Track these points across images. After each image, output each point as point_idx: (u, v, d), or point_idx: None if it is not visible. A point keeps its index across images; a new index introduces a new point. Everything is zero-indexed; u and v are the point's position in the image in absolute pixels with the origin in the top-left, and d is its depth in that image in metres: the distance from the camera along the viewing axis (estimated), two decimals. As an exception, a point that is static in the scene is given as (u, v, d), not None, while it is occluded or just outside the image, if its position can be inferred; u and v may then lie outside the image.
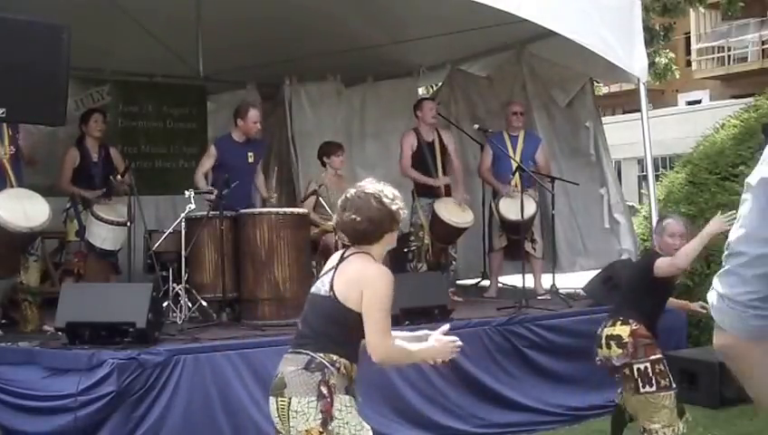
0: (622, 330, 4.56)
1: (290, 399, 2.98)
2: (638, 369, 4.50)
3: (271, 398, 3.06)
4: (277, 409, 3.01)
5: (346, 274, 3.06)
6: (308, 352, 3.02)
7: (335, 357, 3.02)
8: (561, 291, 7.24)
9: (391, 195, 3.13)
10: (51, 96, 5.15)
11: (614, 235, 8.08)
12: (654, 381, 4.49)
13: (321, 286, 3.12)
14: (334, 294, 3.04)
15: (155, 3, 7.60)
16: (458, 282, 8.43)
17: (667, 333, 6.41)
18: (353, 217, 3.08)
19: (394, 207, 3.11)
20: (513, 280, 7.95)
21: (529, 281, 7.06)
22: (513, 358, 5.95)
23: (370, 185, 3.16)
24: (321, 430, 2.93)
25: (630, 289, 4.83)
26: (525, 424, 5.82)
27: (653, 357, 4.54)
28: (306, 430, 2.94)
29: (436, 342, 3.11)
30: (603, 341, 4.63)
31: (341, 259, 3.12)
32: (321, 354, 3.01)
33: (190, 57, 8.37)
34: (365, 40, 8.52)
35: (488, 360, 5.83)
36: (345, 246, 3.22)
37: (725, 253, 1.64)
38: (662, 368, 4.54)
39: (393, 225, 3.13)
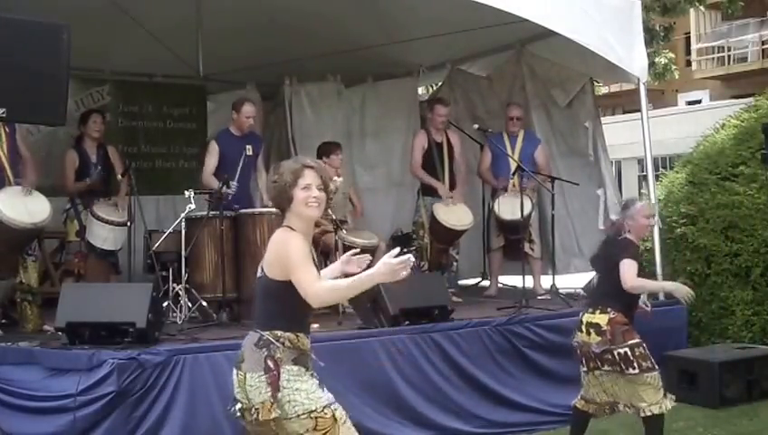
0: (601, 318, 4.78)
1: (245, 374, 3.24)
2: (619, 353, 4.71)
3: (234, 370, 3.32)
4: (237, 381, 3.28)
5: (268, 250, 3.30)
6: (257, 330, 3.28)
7: (279, 333, 3.24)
8: (560, 291, 7.24)
9: (280, 170, 3.30)
10: (51, 96, 5.15)
11: None
12: (636, 364, 4.70)
13: (259, 269, 3.34)
14: (264, 272, 3.28)
15: (155, 3, 7.60)
16: (458, 282, 8.42)
17: (667, 333, 6.44)
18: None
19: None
20: (512, 280, 7.95)
21: (528, 281, 7.06)
22: (513, 358, 5.95)
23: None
24: (272, 401, 3.18)
25: (605, 280, 4.95)
26: (525, 424, 5.81)
27: (631, 342, 4.73)
28: (261, 402, 3.19)
29: (382, 264, 3.06)
30: (584, 326, 4.84)
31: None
32: (267, 332, 3.25)
33: (190, 57, 8.37)
34: (365, 40, 8.52)
35: (488, 360, 5.83)
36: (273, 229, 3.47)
37: None
38: (642, 351, 4.74)
39: (283, 200, 3.28)
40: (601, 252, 5.16)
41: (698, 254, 7.09)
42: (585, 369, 4.91)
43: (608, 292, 4.86)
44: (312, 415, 3.19)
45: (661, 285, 4.99)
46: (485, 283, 8.30)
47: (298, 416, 3.19)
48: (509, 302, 6.69)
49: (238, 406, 3.28)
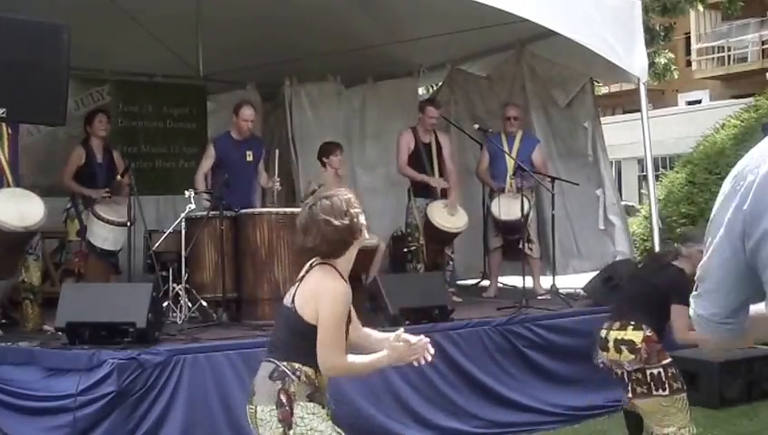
0: (635, 335, 4.49)
1: (256, 407, 3.06)
2: (652, 374, 4.46)
3: (247, 405, 3.14)
4: (248, 415, 3.11)
5: (306, 287, 3.10)
6: (274, 360, 3.09)
7: (297, 365, 3.05)
8: (560, 291, 7.24)
9: (343, 206, 3.09)
10: (51, 96, 5.15)
11: (608, 237, 8.09)
12: (667, 386, 4.45)
13: (288, 298, 3.15)
14: (294, 306, 3.08)
15: (155, 3, 7.60)
16: (458, 282, 8.42)
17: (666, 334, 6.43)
18: (312, 243, 3.08)
19: (347, 221, 3.07)
20: (512, 280, 7.95)
21: (528, 281, 7.05)
22: (513, 358, 5.95)
23: (319, 203, 3.11)
24: None
25: (646, 298, 4.67)
26: (525, 424, 5.81)
27: (665, 362, 4.50)
28: None
29: (390, 349, 3.05)
30: (611, 344, 4.55)
31: (308, 270, 3.15)
32: (285, 363, 3.06)
33: (190, 57, 8.37)
34: (365, 40, 8.52)
35: (488, 360, 5.83)
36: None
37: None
38: (674, 371, 4.50)
39: (354, 235, 3.10)
40: (649, 271, 4.86)
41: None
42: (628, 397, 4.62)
43: (645, 310, 4.57)
44: None
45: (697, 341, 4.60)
46: (485, 283, 8.29)
47: None
48: (509, 302, 6.69)
49: None
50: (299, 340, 3.07)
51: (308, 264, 3.17)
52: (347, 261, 3.14)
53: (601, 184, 8.18)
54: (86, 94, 8.68)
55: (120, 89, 9.00)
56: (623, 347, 4.50)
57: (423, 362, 3.10)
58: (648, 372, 4.46)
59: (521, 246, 7.21)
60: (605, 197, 8.14)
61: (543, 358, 6.05)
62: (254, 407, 3.06)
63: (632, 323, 4.53)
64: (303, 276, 3.13)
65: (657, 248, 7.00)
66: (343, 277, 3.11)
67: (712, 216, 1.99)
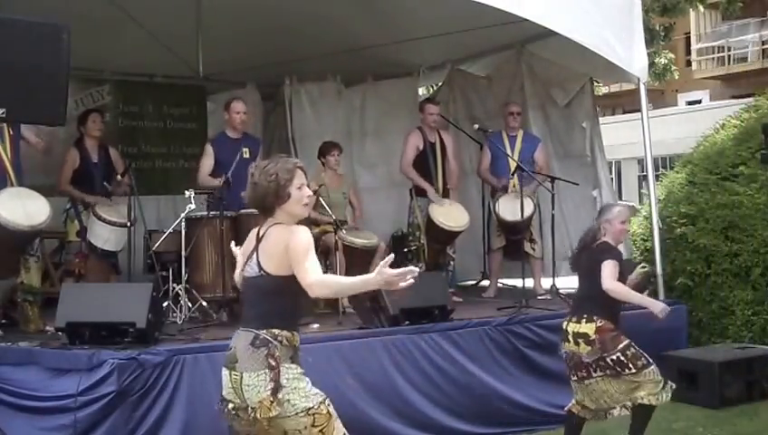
0: (588, 328, 4.72)
1: (241, 374, 3.26)
2: (612, 359, 4.69)
3: (224, 369, 3.34)
4: (230, 381, 3.31)
5: (267, 248, 3.33)
6: (252, 329, 3.30)
7: (276, 331, 3.28)
8: (560, 291, 7.24)
9: (272, 170, 3.34)
10: (51, 96, 5.15)
11: None
12: (631, 365, 4.69)
13: (250, 269, 3.38)
14: (264, 271, 3.31)
15: (155, 3, 7.59)
16: (458, 283, 8.42)
17: (667, 333, 6.43)
18: (248, 190, 3.43)
19: (266, 183, 3.33)
20: (514, 281, 7.94)
21: (529, 281, 7.05)
22: (513, 358, 5.95)
23: (257, 162, 3.49)
24: (271, 399, 3.21)
25: (588, 288, 4.88)
26: (525, 424, 5.82)
27: (621, 346, 4.71)
28: (259, 401, 3.22)
29: (379, 274, 3.14)
30: (571, 337, 4.79)
31: (259, 239, 3.37)
32: (264, 331, 3.28)
33: (190, 57, 8.37)
34: (365, 40, 8.52)
35: (488, 360, 5.83)
36: (259, 225, 3.46)
37: None
38: (633, 351, 4.72)
39: (277, 200, 3.34)
40: (580, 258, 5.06)
41: (698, 254, 7.09)
42: (575, 379, 4.88)
43: (591, 298, 4.80)
44: (309, 412, 3.26)
45: (640, 298, 4.89)
46: (485, 283, 8.29)
47: (296, 414, 3.25)
48: (509, 302, 6.69)
49: (230, 406, 3.32)
50: (273, 301, 3.30)
51: (254, 232, 3.42)
52: (287, 218, 3.36)
53: (598, 185, 8.18)
54: (86, 94, 8.67)
55: (120, 89, 9.00)
56: (580, 340, 4.76)
57: (406, 284, 3.17)
58: (609, 359, 4.70)
59: (524, 246, 7.22)
60: (601, 198, 8.14)
61: (543, 358, 6.04)
62: (238, 374, 3.27)
63: (584, 316, 4.77)
64: (257, 245, 3.36)
65: (657, 248, 6.99)
66: None
67: None
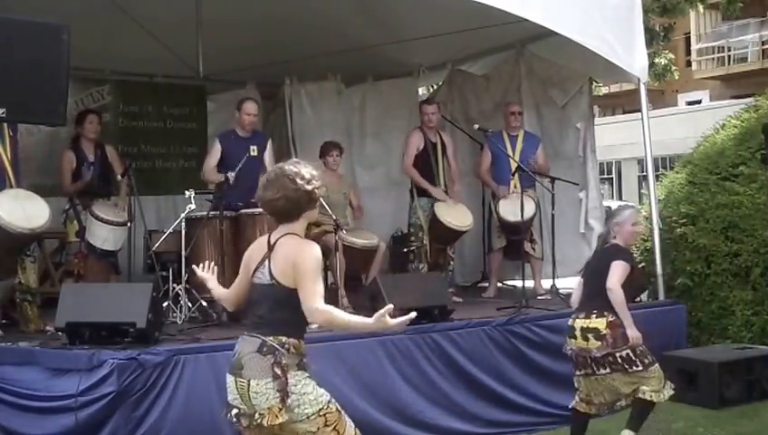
0: (599, 323, 4.78)
1: (248, 381, 3.26)
2: (621, 356, 4.75)
3: (229, 376, 3.33)
4: (237, 388, 3.29)
5: (280, 258, 3.32)
6: (259, 335, 3.30)
7: (284, 338, 3.29)
8: (561, 291, 7.24)
9: (308, 175, 3.36)
10: (51, 96, 5.15)
11: (586, 241, 8.08)
12: (639, 362, 4.76)
13: (261, 277, 3.39)
14: (276, 280, 3.31)
15: (155, 3, 7.59)
16: (458, 283, 8.42)
17: (667, 333, 6.44)
18: (272, 196, 3.35)
19: (309, 187, 3.35)
20: (514, 282, 7.93)
21: (529, 281, 7.05)
22: (513, 358, 5.95)
23: (288, 166, 3.41)
24: (280, 406, 3.22)
25: (599, 286, 4.89)
26: (525, 424, 5.82)
27: (631, 342, 4.76)
28: (268, 408, 3.22)
29: (378, 322, 3.21)
30: (578, 332, 4.83)
31: (271, 247, 3.36)
32: (271, 338, 3.28)
33: (190, 57, 8.36)
34: (365, 40, 8.52)
35: (488, 360, 5.83)
36: (270, 231, 3.46)
37: None
38: (642, 349, 4.79)
39: (310, 204, 3.39)
40: (593, 261, 5.13)
41: (698, 254, 7.09)
42: (581, 374, 4.92)
43: (603, 297, 4.82)
44: (320, 413, 3.29)
45: (626, 316, 4.78)
46: (485, 283, 8.28)
47: (308, 417, 3.27)
48: (509, 302, 6.69)
49: (234, 411, 3.32)
50: (283, 311, 3.30)
51: (264, 239, 3.42)
52: (301, 232, 3.39)
53: (585, 186, 8.17)
54: (86, 94, 8.68)
55: (120, 89, 9.00)
56: (589, 335, 4.80)
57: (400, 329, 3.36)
58: (618, 355, 4.75)
59: (524, 246, 7.22)
60: (588, 200, 8.14)
61: (543, 358, 6.05)
62: (245, 381, 3.26)
63: (594, 311, 4.82)
64: (269, 254, 3.35)
65: (657, 248, 7.00)
66: None
67: None
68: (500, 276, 8.07)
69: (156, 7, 7.63)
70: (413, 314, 3.28)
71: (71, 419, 4.49)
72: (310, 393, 3.29)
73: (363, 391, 5.21)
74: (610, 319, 4.75)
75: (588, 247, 8.09)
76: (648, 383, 4.79)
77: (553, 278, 7.36)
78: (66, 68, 5.16)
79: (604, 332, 4.74)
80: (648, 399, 4.79)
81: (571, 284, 7.66)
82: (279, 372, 3.23)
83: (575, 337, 4.85)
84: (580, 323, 4.85)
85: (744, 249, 6.87)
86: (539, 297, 7.22)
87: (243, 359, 3.28)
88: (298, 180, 3.34)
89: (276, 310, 3.32)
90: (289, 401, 3.23)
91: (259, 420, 3.23)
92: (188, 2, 7.54)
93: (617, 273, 4.79)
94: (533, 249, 7.57)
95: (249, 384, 3.25)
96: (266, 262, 3.36)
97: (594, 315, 4.80)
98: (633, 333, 4.80)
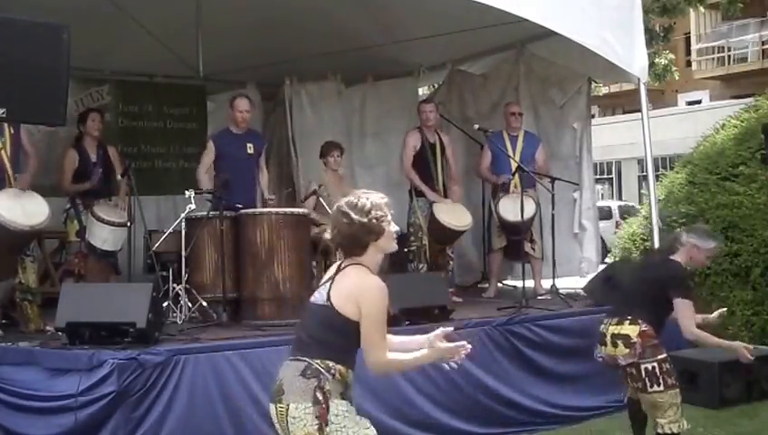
0: (631, 330, 4.57)
1: (288, 405, 3.07)
2: (646, 368, 4.55)
3: (270, 404, 3.15)
4: (276, 414, 3.11)
5: (342, 285, 3.16)
6: (305, 358, 3.12)
7: (331, 363, 3.11)
8: (561, 291, 7.24)
9: (367, 205, 3.16)
10: (51, 96, 5.14)
11: (578, 242, 8.07)
12: (661, 381, 4.54)
13: (318, 296, 3.21)
14: (331, 303, 3.13)
15: (155, 3, 7.59)
16: (458, 283, 8.42)
17: (667, 333, 6.40)
18: (331, 232, 3.23)
19: (365, 220, 3.15)
20: (514, 282, 7.93)
21: (529, 281, 7.05)
22: (513, 358, 5.95)
23: (346, 198, 3.23)
24: (317, 434, 3.03)
25: (642, 293, 4.75)
26: (525, 424, 5.82)
27: (659, 357, 4.58)
28: None
29: (430, 350, 3.15)
30: (608, 339, 4.65)
31: (338, 270, 3.21)
32: (318, 361, 3.10)
33: (190, 57, 8.37)
34: (365, 40, 8.52)
35: (488, 360, 5.82)
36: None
37: None
38: (668, 367, 4.59)
39: (371, 236, 3.17)
40: (645, 264, 4.94)
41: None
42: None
43: (642, 305, 4.64)
44: None
45: (719, 342, 4.75)
46: (485, 283, 8.28)
47: None
48: (509, 302, 6.69)
49: None
50: (335, 337, 3.13)
51: (335, 265, 3.26)
52: (371, 263, 3.22)
53: (580, 186, 8.16)
54: (86, 94, 8.68)
55: (120, 89, 9.00)
56: (619, 341, 4.60)
57: (459, 360, 3.21)
58: (643, 366, 4.55)
59: (524, 246, 7.22)
60: (581, 200, 8.13)
61: (543, 358, 6.05)
62: (284, 405, 3.07)
63: (629, 317, 4.62)
64: (333, 276, 3.20)
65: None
66: None
67: None
68: (500, 276, 8.07)
69: (156, 7, 7.63)
70: (467, 346, 3.18)
71: (70, 419, 4.49)
72: (351, 428, 3.09)
73: (363, 390, 5.20)
74: (643, 328, 4.55)
75: (579, 248, 8.12)
76: (664, 413, 4.55)
77: (553, 278, 7.36)
78: (66, 68, 5.16)
79: (635, 339, 4.54)
80: (669, 432, 4.53)
81: (568, 284, 7.69)
82: (321, 397, 3.05)
83: (605, 344, 4.67)
84: (611, 329, 4.65)
85: (744, 249, 6.87)
86: (539, 297, 7.22)
87: (284, 384, 3.11)
88: (352, 214, 3.15)
89: (325, 332, 3.15)
90: (327, 429, 3.05)
91: None
92: (188, 2, 7.55)
93: (689, 315, 4.56)
94: (533, 249, 7.57)
95: (288, 409, 3.07)
96: (328, 284, 3.20)
97: (627, 322, 4.60)
98: (740, 352, 4.71)
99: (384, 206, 3.21)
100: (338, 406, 3.09)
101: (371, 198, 3.21)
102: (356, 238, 3.17)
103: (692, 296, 4.70)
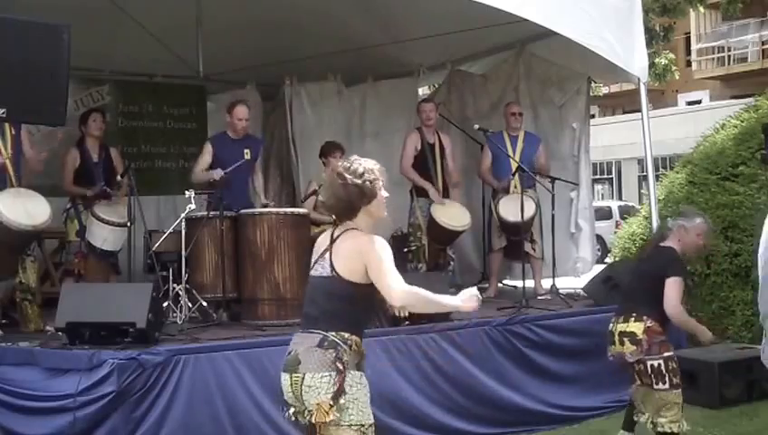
0: (636, 327, 4.62)
1: (304, 374, 3.13)
2: (652, 365, 4.59)
3: (284, 374, 3.21)
4: (291, 384, 3.17)
5: (342, 252, 3.23)
6: (319, 331, 3.19)
7: (346, 335, 3.19)
8: (561, 291, 7.24)
9: (360, 169, 3.28)
10: (51, 96, 5.15)
11: (573, 242, 8.07)
12: (667, 379, 4.58)
13: (321, 269, 3.27)
14: (336, 273, 3.21)
15: (155, 3, 7.60)
16: (458, 283, 8.42)
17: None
18: (325, 196, 3.31)
19: (359, 181, 3.25)
20: (514, 282, 7.92)
21: (529, 281, 7.05)
22: (513, 358, 5.95)
23: (341, 161, 3.35)
24: (331, 403, 3.09)
25: (643, 288, 4.78)
26: (525, 424, 5.81)
27: (666, 354, 4.62)
28: (317, 404, 3.10)
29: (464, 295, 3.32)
30: (616, 337, 4.69)
31: (333, 240, 3.27)
32: (333, 333, 3.18)
33: (190, 57, 8.37)
34: (365, 40, 8.52)
35: (488, 360, 5.82)
36: (334, 226, 3.35)
37: None
38: (674, 365, 4.62)
39: (363, 199, 3.27)
40: (642, 257, 4.95)
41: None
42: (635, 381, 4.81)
43: (646, 301, 4.67)
44: (360, 429, 3.16)
45: (695, 326, 4.83)
46: (485, 283, 8.28)
47: (350, 425, 3.14)
48: (509, 302, 6.69)
49: (291, 410, 3.23)
50: (344, 305, 3.20)
51: (327, 235, 3.32)
52: (365, 223, 3.30)
53: (578, 186, 8.16)
54: (86, 94, 8.68)
55: (120, 89, 9.01)
56: (625, 339, 4.65)
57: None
58: (649, 363, 4.59)
59: (525, 246, 7.22)
60: (578, 200, 8.13)
61: (543, 358, 6.05)
62: (300, 375, 3.13)
63: (633, 315, 4.66)
64: (330, 247, 3.25)
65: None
66: None
67: None
68: (500, 276, 8.07)
69: (156, 7, 7.63)
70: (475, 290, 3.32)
71: (70, 419, 4.49)
72: (362, 401, 3.16)
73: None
74: (649, 324, 4.59)
75: (575, 248, 8.11)
76: (666, 411, 4.57)
77: (553, 278, 7.36)
78: (66, 68, 5.16)
79: (641, 336, 4.58)
80: (669, 431, 4.57)
81: (566, 284, 7.69)
82: (340, 367, 3.12)
83: (614, 343, 4.71)
84: (619, 327, 4.69)
85: (744, 249, 6.87)
86: (539, 297, 7.22)
87: (300, 355, 3.16)
88: (347, 175, 3.24)
89: (334, 304, 3.21)
90: (342, 399, 3.11)
91: (308, 418, 3.13)
92: (188, 2, 7.54)
93: (675, 294, 4.59)
94: (534, 249, 7.56)
95: (304, 378, 3.13)
96: (327, 255, 3.25)
97: (633, 319, 4.64)
98: (705, 336, 4.75)
99: (377, 171, 3.33)
100: (353, 377, 3.16)
101: (365, 162, 3.32)
102: (349, 201, 3.25)
103: (685, 277, 4.74)
